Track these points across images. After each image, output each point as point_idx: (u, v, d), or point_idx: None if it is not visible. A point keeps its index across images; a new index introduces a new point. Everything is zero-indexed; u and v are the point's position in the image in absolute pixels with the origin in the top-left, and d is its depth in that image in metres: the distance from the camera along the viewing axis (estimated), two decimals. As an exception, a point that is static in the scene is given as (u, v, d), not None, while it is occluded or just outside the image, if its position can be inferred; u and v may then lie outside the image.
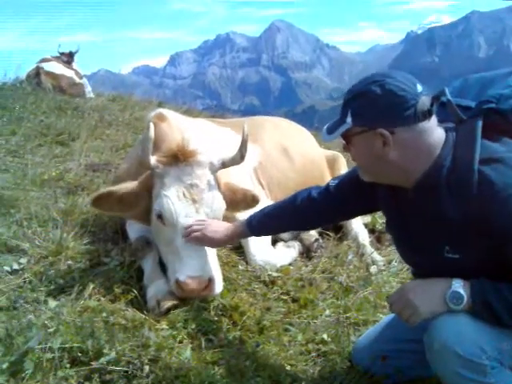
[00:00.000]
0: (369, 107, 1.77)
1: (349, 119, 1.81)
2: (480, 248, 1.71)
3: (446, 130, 1.81)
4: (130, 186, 2.86)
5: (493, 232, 1.66)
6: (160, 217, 2.71)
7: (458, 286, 1.69)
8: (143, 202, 2.84)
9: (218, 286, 2.67)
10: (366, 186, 2.05)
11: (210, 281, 2.59)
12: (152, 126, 2.74)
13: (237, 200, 2.97)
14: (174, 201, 2.66)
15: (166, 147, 2.86)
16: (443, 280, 1.74)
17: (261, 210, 2.59)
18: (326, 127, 1.95)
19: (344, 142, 1.92)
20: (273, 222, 2.53)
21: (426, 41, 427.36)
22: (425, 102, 1.73)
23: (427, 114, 1.74)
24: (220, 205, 2.82)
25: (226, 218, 2.89)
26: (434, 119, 1.78)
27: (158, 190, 2.76)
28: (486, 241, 1.68)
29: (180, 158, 2.75)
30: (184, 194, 2.69)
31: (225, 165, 2.89)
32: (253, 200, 3.00)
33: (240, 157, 2.88)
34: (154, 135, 2.72)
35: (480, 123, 1.74)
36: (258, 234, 2.66)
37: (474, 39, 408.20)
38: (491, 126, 1.76)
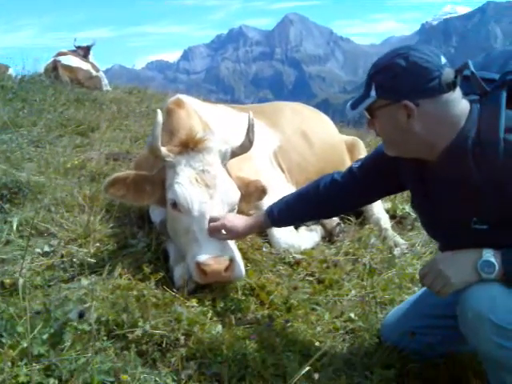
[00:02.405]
0: (393, 80, 1.76)
1: (373, 93, 1.81)
2: (508, 218, 1.70)
3: (471, 102, 1.80)
4: (147, 173, 2.86)
5: None
6: (175, 205, 2.68)
7: (489, 255, 1.70)
8: (158, 193, 2.83)
9: (241, 269, 2.58)
10: (390, 163, 2.05)
11: (231, 261, 2.51)
12: (159, 111, 2.72)
13: (250, 192, 2.95)
14: (186, 186, 2.65)
15: (178, 137, 2.85)
16: (474, 250, 1.74)
17: (281, 199, 2.51)
18: (349, 103, 1.95)
19: (368, 116, 1.92)
20: (295, 210, 2.45)
21: (442, 32, 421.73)
22: (449, 73, 1.72)
23: (451, 86, 1.73)
24: (234, 191, 2.79)
25: (240, 212, 2.86)
26: (458, 91, 1.77)
27: (170, 180, 2.75)
28: None
29: (190, 146, 2.74)
30: (196, 180, 2.68)
31: (235, 153, 2.88)
32: (262, 191, 2.96)
33: (248, 143, 2.88)
34: (161, 120, 2.68)
35: (504, 94, 1.74)
36: (278, 225, 2.61)
37: (490, 30, 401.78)
38: None
